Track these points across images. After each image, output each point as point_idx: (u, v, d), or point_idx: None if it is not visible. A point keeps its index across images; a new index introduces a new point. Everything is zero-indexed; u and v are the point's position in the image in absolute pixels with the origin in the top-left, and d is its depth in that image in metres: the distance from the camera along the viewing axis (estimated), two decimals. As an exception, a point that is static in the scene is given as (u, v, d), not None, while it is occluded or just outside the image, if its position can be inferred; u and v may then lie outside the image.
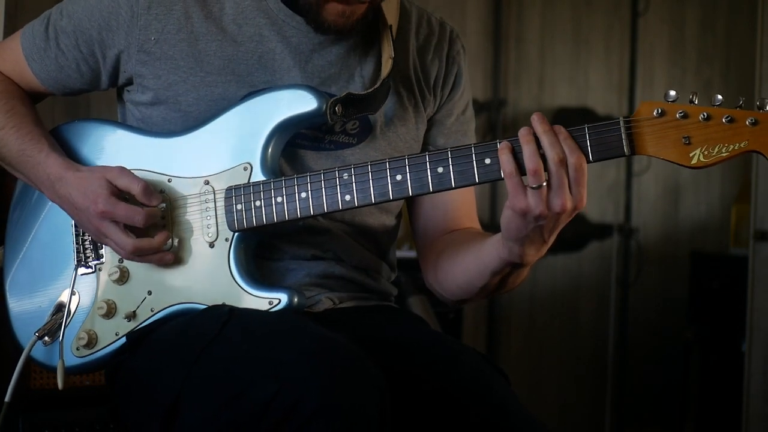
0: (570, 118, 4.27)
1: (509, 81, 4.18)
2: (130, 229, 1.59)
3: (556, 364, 4.37)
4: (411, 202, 1.78)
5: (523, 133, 1.44)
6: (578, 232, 4.33)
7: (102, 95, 1.96)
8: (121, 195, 1.59)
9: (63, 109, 2.98)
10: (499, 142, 1.46)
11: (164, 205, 1.62)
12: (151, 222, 1.59)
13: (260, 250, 1.64)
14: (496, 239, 1.55)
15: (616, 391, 4.47)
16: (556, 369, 4.38)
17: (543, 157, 1.43)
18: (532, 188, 1.43)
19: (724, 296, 4.00)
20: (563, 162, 1.42)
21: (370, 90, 1.61)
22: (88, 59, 1.69)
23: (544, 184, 1.42)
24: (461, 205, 1.76)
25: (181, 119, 1.64)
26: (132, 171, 1.63)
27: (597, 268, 4.44)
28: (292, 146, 1.64)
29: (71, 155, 1.69)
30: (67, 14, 1.69)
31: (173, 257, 1.61)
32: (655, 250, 4.55)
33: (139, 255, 1.59)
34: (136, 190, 1.58)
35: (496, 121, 4.10)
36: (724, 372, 3.95)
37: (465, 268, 1.64)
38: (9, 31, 2.60)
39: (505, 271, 1.57)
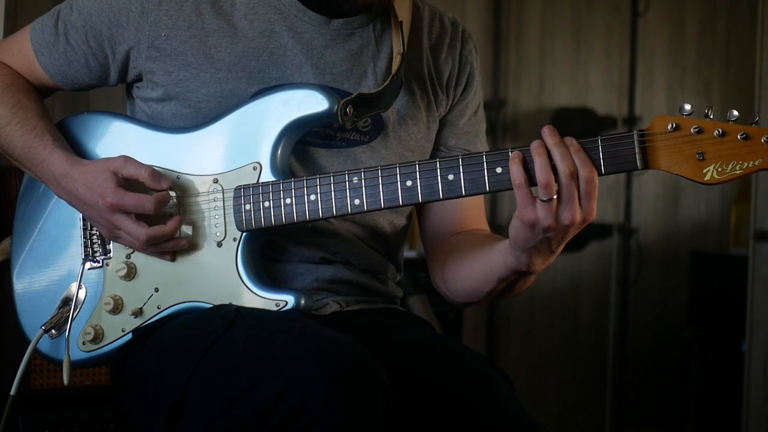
0: (570, 118, 4.27)
1: (509, 81, 4.18)
2: (141, 218, 1.58)
3: (556, 364, 4.37)
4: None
5: (535, 145, 1.43)
6: (578, 233, 4.33)
7: (102, 91, 1.96)
8: (128, 185, 1.59)
9: (63, 105, 2.98)
10: (511, 151, 1.45)
11: (174, 193, 1.61)
12: (162, 207, 1.58)
13: (268, 251, 1.64)
14: (503, 246, 1.55)
15: (616, 391, 4.47)
16: (556, 369, 4.38)
17: (554, 169, 1.42)
18: (542, 201, 1.42)
19: (724, 296, 4.01)
20: (574, 175, 1.41)
21: (380, 88, 1.61)
22: (98, 55, 1.68)
23: (555, 197, 1.42)
24: (470, 206, 1.76)
25: (191, 115, 1.64)
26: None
27: (597, 268, 4.44)
28: (302, 144, 1.63)
29: (79, 148, 1.69)
30: (77, 9, 1.68)
31: (187, 243, 1.60)
32: (655, 250, 4.55)
33: (153, 243, 1.58)
34: (143, 176, 1.57)
35: (496, 121, 4.10)
36: (724, 372, 3.95)
37: (472, 273, 1.63)
38: (9, 31, 2.60)
39: (511, 278, 1.57)
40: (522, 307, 4.26)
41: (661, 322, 4.56)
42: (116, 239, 1.63)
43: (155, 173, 1.58)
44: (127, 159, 1.59)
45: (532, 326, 4.31)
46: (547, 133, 1.44)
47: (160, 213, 1.59)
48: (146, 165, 1.58)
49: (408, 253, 2.96)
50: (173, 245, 1.60)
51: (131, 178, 1.58)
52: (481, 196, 1.77)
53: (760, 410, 3.34)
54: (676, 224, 4.63)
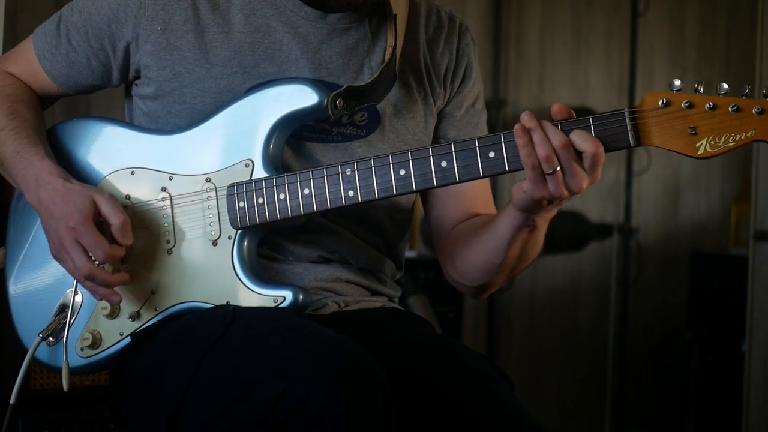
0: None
1: (509, 81, 4.18)
2: None
3: (556, 364, 4.37)
4: (425, 193, 1.76)
5: (525, 118, 1.43)
6: (578, 232, 4.33)
7: (102, 94, 1.95)
8: (99, 221, 1.57)
9: (63, 108, 2.97)
10: (503, 134, 1.45)
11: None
12: (109, 260, 1.57)
13: (265, 250, 1.64)
14: (506, 212, 1.54)
15: (616, 391, 4.47)
16: (556, 369, 4.38)
17: None
18: (548, 174, 1.42)
19: (724, 296, 4.01)
20: (567, 145, 1.41)
21: (369, 81, 1.61)
22: (99, 54, 1.68)
23: (558, 168, 1.42)
24: (477, 195, 1.74)
25: (186, 112, 1.64)
26: (133, 170, 1.63)
27: (597, 268, 4.44)
28: (299, 139, 1.63)
29: (71, 154, 1.69)
30: (77, 10, 1.69)
31: (120, 299, 1.59)
32: (655, 250, 4.55)
33: (90, 281, 1.57)
34: (115, 222, 1.56)
35: (496, 121, 4.10)
36: (724, 372, 3.95)
37: (481, 249, 1.62)
38: (9, 31, 2.60)
39: (521, 237, 1.55)
40: (522, 307, 4.26)
41: (661, 322, 4.56)
42: (58, 260, 1.61)
43: (125, 227, 1.56)
44: (110, 198, 1.58)
45: (532, 326, 4.31)
46: (526, 118, 1.43)
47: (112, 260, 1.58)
48: (123, 214, 1.56)
49: (408, 254, 2.96)
50: (107, 294, 1.58)
51: (104, 216, 1.57)
52: (488, 184, 1.77)
53: (760, 410, 3.34)
54: (676, 224, 4.63)
